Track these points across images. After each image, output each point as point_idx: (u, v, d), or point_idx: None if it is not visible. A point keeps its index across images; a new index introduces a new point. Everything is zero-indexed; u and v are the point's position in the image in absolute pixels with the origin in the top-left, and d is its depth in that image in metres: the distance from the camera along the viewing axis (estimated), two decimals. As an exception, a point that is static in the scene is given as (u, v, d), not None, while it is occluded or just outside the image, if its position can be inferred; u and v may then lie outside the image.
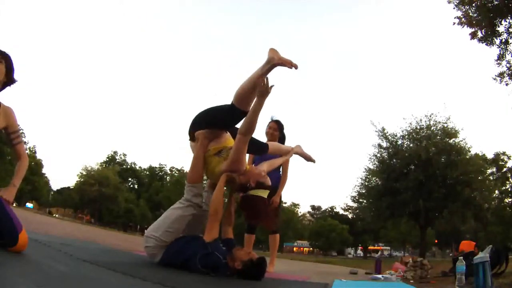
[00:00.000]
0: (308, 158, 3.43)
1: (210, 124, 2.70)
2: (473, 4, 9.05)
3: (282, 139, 4.26)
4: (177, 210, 2.63)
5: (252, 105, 2.44)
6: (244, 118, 2.48)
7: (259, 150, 2.99)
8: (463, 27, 9.42)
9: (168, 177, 57.80)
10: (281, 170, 4.22)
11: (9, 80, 2.07)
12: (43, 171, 46.05)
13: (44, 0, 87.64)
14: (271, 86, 2.38)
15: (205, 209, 2.72)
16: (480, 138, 68.21)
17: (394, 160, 17.65)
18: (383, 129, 17.84)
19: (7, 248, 1.72)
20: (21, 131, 2.22)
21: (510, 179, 29.85)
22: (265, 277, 2.53)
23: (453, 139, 16.98)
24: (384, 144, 18.00)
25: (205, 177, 2.85)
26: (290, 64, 2.37)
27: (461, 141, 16.93)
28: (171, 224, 2.56)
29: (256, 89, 2.39)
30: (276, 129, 4.23)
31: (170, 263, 2.47)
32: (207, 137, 2.69)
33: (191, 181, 2.71)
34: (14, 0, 77.51)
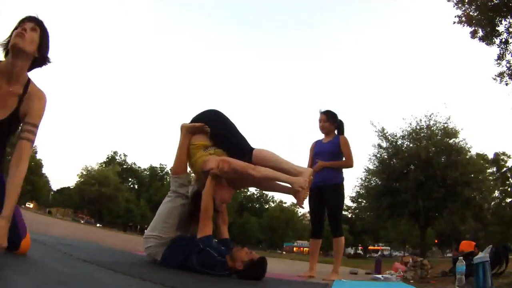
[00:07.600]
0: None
1: (220, 141, 2.74)
2: (473, 4, 9.06)
3: (339, 128, 4.05)
4: (167, 204, 2.68)
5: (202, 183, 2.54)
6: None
7: (239, 156, 2.62)
8: (463, 26, 9.44)
9: (168, 178, 57.82)
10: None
11: (41, 56, 1.70)
12: (43, 171, 46.16)
13: (44, 1, 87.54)
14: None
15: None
16: (480, 138, 68.32)
17: (394, 160, 17.65)
18: (383, 129, 17.88)
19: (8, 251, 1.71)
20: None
21: (510, 179, 29.91)
22: (265, 277, 2.53)
23: (453, 139, 17.01)
24: (384, 144, 18.03)
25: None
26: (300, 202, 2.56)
27: (461, 141, 17.00)
28: (166, 218, 2.61)
29: (280, 180, 2.58)
30: (326, 120, 4.00)
31: (170, 264, 2.48)
32: (191, 131, 2.75)
33: (176, 173, 2.78)
34: (14, 0, 77.40)
